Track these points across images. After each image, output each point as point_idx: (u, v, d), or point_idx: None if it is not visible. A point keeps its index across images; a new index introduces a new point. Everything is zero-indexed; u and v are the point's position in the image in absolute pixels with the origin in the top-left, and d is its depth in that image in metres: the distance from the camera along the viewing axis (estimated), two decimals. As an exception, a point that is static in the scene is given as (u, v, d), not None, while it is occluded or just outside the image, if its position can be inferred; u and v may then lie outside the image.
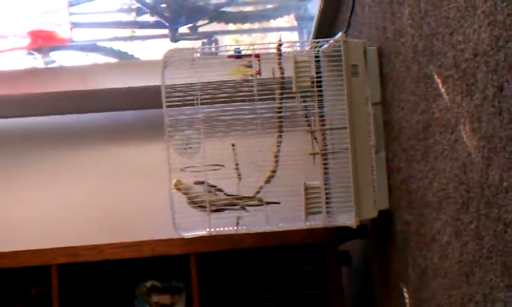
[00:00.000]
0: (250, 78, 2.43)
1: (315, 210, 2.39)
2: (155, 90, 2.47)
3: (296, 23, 3.64)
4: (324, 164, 2.41)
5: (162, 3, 3.57)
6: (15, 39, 3.28)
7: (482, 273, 1.63)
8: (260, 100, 2.42)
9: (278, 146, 2.46)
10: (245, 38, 3.85)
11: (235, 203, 2.47)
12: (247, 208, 2.46)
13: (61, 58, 3.59)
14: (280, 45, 2.43)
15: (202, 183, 2.44)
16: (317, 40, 2.47)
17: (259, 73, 2.43)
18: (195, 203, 2.44)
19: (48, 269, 2.60)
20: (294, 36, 3.65)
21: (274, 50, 2.45)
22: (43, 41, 3.32)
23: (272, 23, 3.65)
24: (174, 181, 2.42)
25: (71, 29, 3.31)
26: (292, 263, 2.76)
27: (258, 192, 2.46)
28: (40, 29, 3.27)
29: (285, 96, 2.46)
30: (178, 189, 2.44)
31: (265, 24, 3.68)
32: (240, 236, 2.54)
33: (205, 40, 3.60)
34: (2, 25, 3.25)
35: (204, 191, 2.43)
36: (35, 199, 3.17)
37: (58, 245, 2.63)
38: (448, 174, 1.81)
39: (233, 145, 2.48)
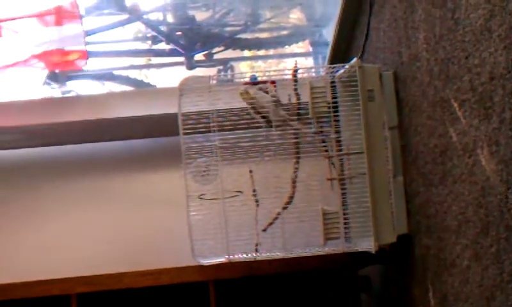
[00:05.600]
0: (267, 104, 2.43)
1: (333, 236, 2.38)
2: (172, 118, 2.47)
3: (311, 49, 3.65)
4: (342, 189, 2.41)
5: (178, 31, 3.59)
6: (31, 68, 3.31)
7: (503, 297, 1.62)
8: (277, 126, 2.43)
9: (295, 171, 2.46)
10: (260, 64, 3.87)
11: (292, 122, 2.43)
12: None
13: (78, 87, 3.61)
14: (296, 70, 2.44)
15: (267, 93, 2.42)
16: (332, 66, 2.47)
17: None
18: (259, 112, 2.41)
19: (67, 299, 2.60)
20: (309, 61, 3.66)
21: (290, 76, 2.45)
22: (56, 63, 3.34)
23: (288, 49, 3.66)
24: (241, 90, 2.41)
25: (85, 54, 3.33)
26: (310, 288, 2.75)
27: (276, 218, 2.46)
28: (53, 50, 3.30)
29: (301, 121, 2.46)
30: (244, 98, 2.41)
31: (280, 50, 3.69)
32: (259, 263, 2.53)
33: (220, 67, 3.61)
34: (19, 50, 3.27)
35: (269, 102, 2.42)
36: (53, 228, 3.17)
37: (77, 274, 2.64)
38: (467, 198, 1.80)
39: (250, 171, 2.48)
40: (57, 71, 3.44)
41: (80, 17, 3.28)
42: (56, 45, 3.29)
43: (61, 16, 3.26)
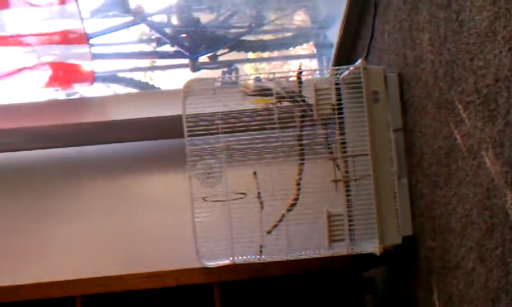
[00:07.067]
0: (271, 106, 2.44)
1: (338, 238, 2.38)
2: (176, 120, 2.48)
3: (315, 51, 3.65)
4: (347, 190, 2.41)
5: (182, 33, 3.59)
6: (38, 71, 3.31)
7: (508, 299, 1.62)
8: (281, 127, 2.43)
9: (300, 173, 2.46)
10: (265, 66, 3.87)
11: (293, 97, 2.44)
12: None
13: (82, 89, 3.61)
14: (300, 72, 2.44)
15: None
16: (337, 67, 2.48)
17: (280, 101, 2.44)
18: (262, 93, 2.41)
19: (72, 300, 2.61)
20: (314, 63, 3.66)
21: (295, 78, 2.45)
22: (64, 76, 3.35)
23: (292, 51, 3.66)
24: (244, 85, 2.41)
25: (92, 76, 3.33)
26: (315, 290, 2.75)
27: (280, 220, 2.46)
28: (62, 62, 3.30)
29: (306, 123, 2.46)
30: (247, 88, 2.41)
31: (284, 52, 3.69)
32: (263, 265, 2.53)
33: (225, 69, 3.61)
34: (25, 56, 3.28)
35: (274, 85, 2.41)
36: (58, 230, 3.17)
37: (82, 276, 2.64)
38: (471, 200, 1.80)
39: (254, 173, 2.48)
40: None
41: (88, 39, 3.27)
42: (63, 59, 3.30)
43: (67, 38, 3.26)
